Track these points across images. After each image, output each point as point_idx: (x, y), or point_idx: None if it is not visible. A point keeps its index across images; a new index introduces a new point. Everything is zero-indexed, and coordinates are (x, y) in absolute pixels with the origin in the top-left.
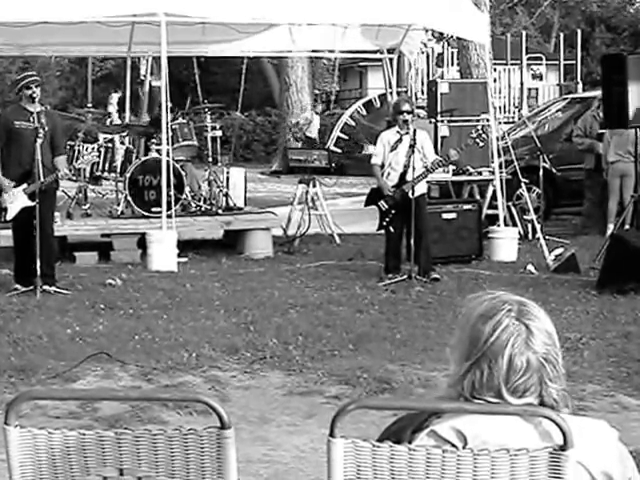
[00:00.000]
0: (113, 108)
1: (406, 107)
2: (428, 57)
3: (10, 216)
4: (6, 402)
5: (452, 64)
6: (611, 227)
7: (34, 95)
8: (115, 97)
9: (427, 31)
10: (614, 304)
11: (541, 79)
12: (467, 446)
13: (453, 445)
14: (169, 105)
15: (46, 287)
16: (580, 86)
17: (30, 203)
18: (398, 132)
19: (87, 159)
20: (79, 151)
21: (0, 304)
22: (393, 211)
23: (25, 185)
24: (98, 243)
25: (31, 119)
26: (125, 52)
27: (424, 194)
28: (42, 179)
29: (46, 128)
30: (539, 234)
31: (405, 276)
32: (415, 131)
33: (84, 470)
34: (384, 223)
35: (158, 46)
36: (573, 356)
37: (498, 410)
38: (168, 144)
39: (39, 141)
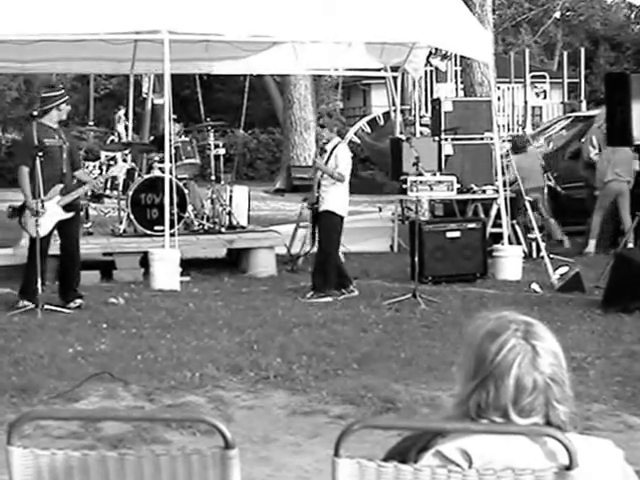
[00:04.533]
0: (121, 127)
1: (320, 122)
2: (431, 74)
3: (45, 231)
4: (8, 422)
5: (451, 81)
6: (592, 243)
7: (67, 112)
8: (122, 115)
9: (431, 50)
10: (619, 323)
11: (545, 97)
12: (472, 466)
13: (458, 465)
14: (175, 117)
15: (78, 301)
16: (584, 104)
17: (67, 215)
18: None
19: (120, 166)
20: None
21: (1, 323)
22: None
23: (59, 197)
24: (100, 262)
25: (55, 136)
26: (128, 70)
27: (328, 211)
28: (74, 191)
29: (67, 144)
30: (543, 253)
31: (409, 295)
32: (329, 144)
33: None
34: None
35: (161, 63)
36: (578, 375)
37: (504, 430)
38: (171, 162)
39: (65, 156)
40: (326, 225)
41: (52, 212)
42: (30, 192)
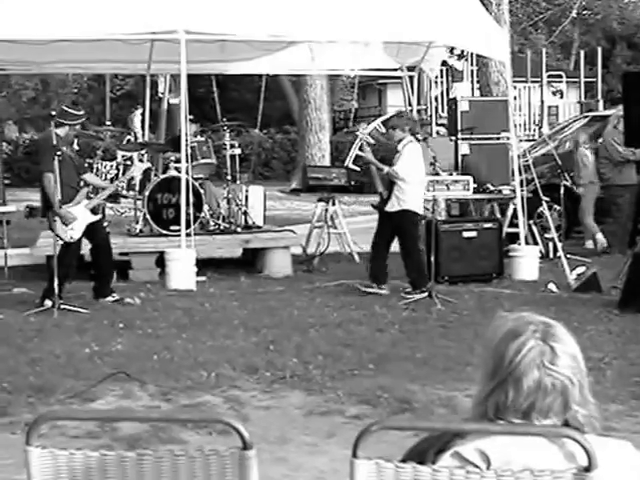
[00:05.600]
0: (137, 126)
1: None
2: (447, 73)
3: (77, 236)
4: (24, 422)
5: (467, 80)
6: (599, 236)
7: (72, 136)
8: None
9: (448, 49)
10: (636, 323)
11: (561, 97)
12: (491, 467)
13: (476, 466)
14: (192, 117)
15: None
16: (601, 104)
17: (95, 218)
18: None
19: (139, 166)
20: (98, 169)
21: (18, 323)
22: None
23: (86, 201)
24: (116, 262)
25: (65, 147)
26: (144, 70)
27: (402, 210)
28: (97, 194)
29: (74, 152)
30: (560, 253)
31: (425, 295)
32: (400, 144)
33: None
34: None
35: (177, 64)
36: (595, 376)
37: (522, 430)
38: (187, 162)
39: (75, 163)
40: (406, 224)
41: (82, 216)
42: (58, 200)
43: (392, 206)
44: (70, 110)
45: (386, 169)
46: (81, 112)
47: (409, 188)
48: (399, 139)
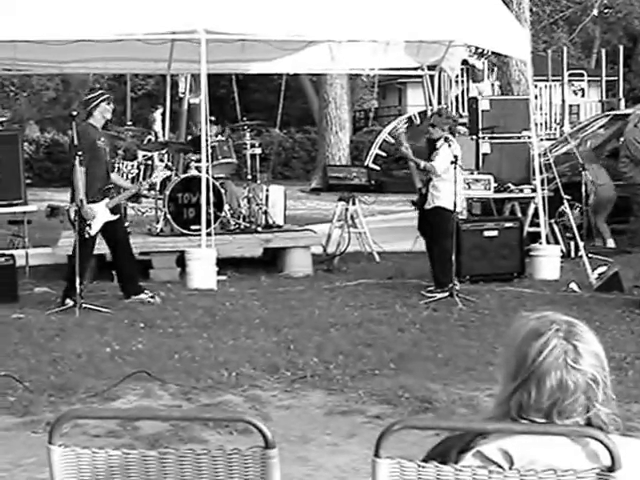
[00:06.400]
0: (158, 126)
1: (430, 121)
2: (468, 72)
3: (94, 231)
4: (46, 421)
5: (487, 79)
6: (611, 241)
7: (110, 111)
8: (159, 114)
9: (468, 47)
10: None
11: (582, 95)
12: (513, 467)
13: (499, 466)
14: (213, 119)
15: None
16: (622, 102)
17: (113, 217)
18: None
19: (161, 173)
20: (119, 168)
21: (40, 322)
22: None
23: (107, 200)
24: (137, 261)
25: (102, 138)
26: (165, 70)
27: (436, 207)
28: (120, 194)
29: (108, 147)
30: (582, 252)
31: (447, 294)
32: (438, 142)
33: None
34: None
35: (197, 64)
36: (618, 375)
37: (545, 430)
38: (207, 161)
39: (107, 158)
40: (439, 221)
41: (102, 214)
42: (85, 194)
43: (428, 204)
44: (90, 95)
45: (422, 163)
46: (99, 91)
47: (442, 185)
48: (438, 137)
